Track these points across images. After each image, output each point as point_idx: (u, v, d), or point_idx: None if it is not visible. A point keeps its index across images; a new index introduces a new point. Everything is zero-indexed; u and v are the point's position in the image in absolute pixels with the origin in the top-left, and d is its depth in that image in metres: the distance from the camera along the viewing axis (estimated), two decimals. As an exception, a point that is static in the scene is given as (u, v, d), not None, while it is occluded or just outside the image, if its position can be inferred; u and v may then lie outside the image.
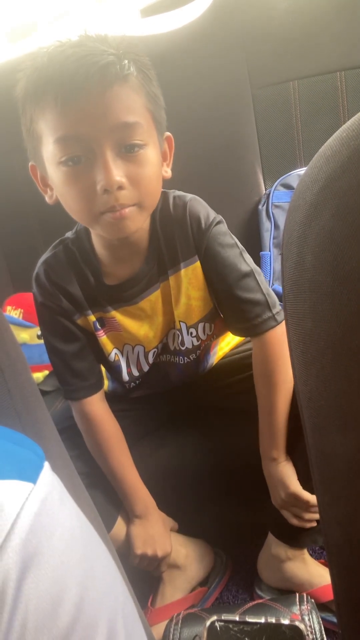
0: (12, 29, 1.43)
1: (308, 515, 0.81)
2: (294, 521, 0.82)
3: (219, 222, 0.79)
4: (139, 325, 0.83)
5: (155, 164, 0.69)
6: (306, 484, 0.80)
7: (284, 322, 0.80)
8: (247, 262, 0.79)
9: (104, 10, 1.40)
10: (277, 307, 0.80)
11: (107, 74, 0.61)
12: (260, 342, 0.80)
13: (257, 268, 0.81)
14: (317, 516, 0.81)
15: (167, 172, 0.76)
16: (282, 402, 0.79)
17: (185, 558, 0.94)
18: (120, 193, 0.65)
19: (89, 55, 0.61)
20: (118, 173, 0.64)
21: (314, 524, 0.82)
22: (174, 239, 0.78)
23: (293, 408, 0.80)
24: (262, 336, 0.80)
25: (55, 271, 0.79)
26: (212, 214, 0.79)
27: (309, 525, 0.82)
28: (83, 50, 0.62)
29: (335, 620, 0.84)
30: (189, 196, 0.79)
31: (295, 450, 0.82)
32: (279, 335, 0.80)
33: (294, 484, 0.80)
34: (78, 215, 0.70)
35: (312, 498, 0.80)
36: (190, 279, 0.80)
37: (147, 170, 0.67)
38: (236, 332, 0.86)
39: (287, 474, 0.81)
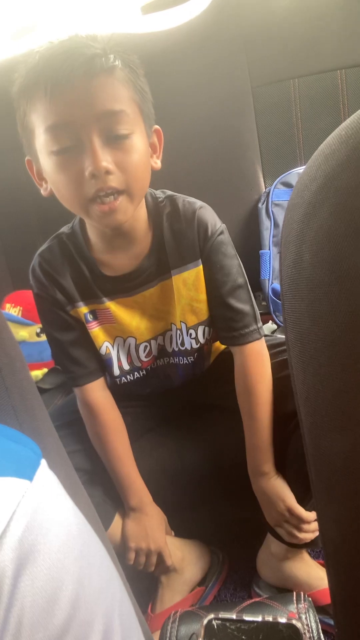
0: (14, 26, 1.42)
1: (302, 535, 0.82)
2: (288, 539, 0.84)
3: (223, 232, 0.82)
4: (130, 317, 0.84)
5: (142, 152, 0.71)
6: (300, 501, 0.82)
7: (263, 339, 0.81)
8: (243, 275, 0.83)
9: (105, 7, 1.40)
10: (260, 323, 0.84)
11: (92, 65, 0.64)
12: (242, 354, 0.83)
13: (247, 282, 0.84)
14: (311, 535, 0.82)
15: (157, 164, 0.77)
16: (266, 416, 0.82)
17: (182, 561, 0.94)
18: (108, 177, 0.67)
19: (76, 48, 0.64)
20: (105, 159, 0.66)
21: (308, 540, 0.83)
22: (181, 241, 0.80)
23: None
24: (244, 347, 0.83)
25: (49, 263, 0.81)
26: (219, 223, 0.82)
27: (303, 542, 0.83)
28: (70, 45, 0.65)
29: (332, 622, 0.84)
30: (199, 203, 0.81)
31: (286, 469, 0.84)
32: (260, 349, 0.84)
33: (290, 497, 0.82)
34: (69, 203, 0.72)
35: (305, 514, 0.81)
36: (194, 282, 0.82)
37: (134, 157, 0.69)
38: (221, 340, 0.89)
39: (282, 487, 0.83)
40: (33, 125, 0.69)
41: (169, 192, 0.83)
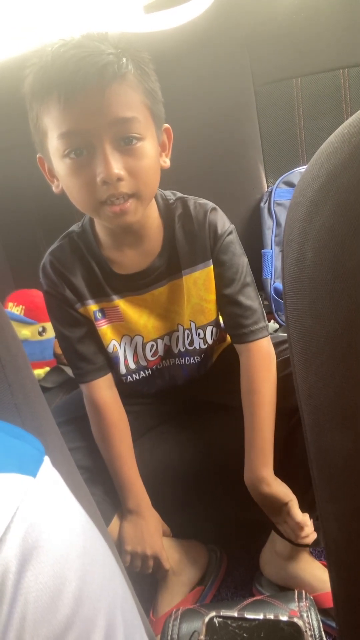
0: (16, 24, 1.42)
1: (300, 539, 0.81)
2: (291, 537, 0.83)
3: (232, 232, 0.83)
4: (139, 315, 0.85)
5: (152, 156, 0.72)
6: (300, 498, 0.81)
7: (269, 337, 0.82)
8: (250, 273, 0.85)
9: (108, 6, 1.40)
10: (267, 321, 0.86)
11: (105, 73, 0.65)
12: (249, 352, 0.84)
13: (254, 280, 0.86)
14: (310, 538, 0.81)
15: (166, 162, 0.79)
16: (269, 416, 0.82)
17: (179, 563, 0.93)
18: (119, 184, 0.68)
19: (89, 56, 0.65)
20: (117, 166, 0.68)
21: (309, 542, 0.82)
22: (193, 242, 0.81)
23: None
24: (251, 345, 0.84)
25: (60, 261, 0.82)
26: (228, 223, 0.83)
27: (306, 542, 0.82)
28: (83, 51, 0.65)
29: (333, 624, 0.84)
30: (210, 204, 0.83)
31: (286, 466, 0.83)
32: (267, 347, 0.85)
33: (292, 500, 0.80)
34: (81, 205, 0.74)
35: (301, 519, 0.79)
36: (204, 282, 0.83)
37: (144, 162, 0.70)
38: (232, 339, 0.90)
39: (283, 490, 0.82)
40: (46, 128, 0.70)
41: (179, 194, 0.84)
